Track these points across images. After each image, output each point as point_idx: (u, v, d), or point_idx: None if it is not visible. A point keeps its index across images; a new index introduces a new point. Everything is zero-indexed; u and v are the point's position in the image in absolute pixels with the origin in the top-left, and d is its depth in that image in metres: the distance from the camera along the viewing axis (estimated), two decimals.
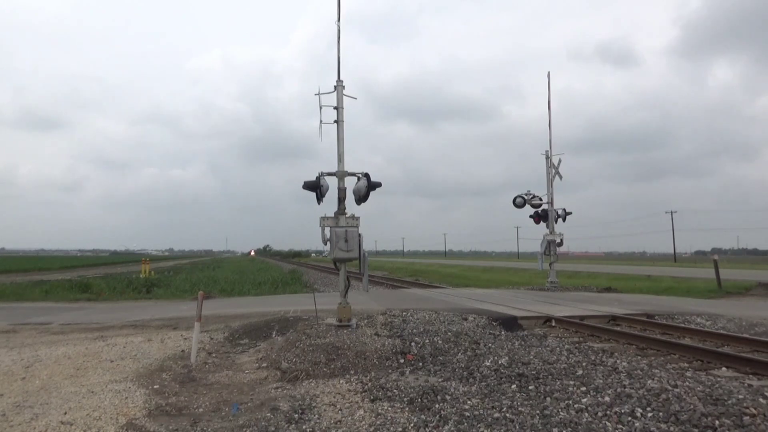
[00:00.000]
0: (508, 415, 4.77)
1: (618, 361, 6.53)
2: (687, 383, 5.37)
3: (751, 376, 6.31)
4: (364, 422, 4.81)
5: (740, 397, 4.87)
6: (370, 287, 22.72)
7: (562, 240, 19.66)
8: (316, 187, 8.76)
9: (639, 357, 7.28)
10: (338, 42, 9.20)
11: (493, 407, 4.99)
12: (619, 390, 5.20)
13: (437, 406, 5.12)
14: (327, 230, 8.74)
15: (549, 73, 19.97)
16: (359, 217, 8.78)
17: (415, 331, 8.73)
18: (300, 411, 5.12)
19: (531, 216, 20.02)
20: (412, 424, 4.68)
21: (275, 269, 46.93)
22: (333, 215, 8.82)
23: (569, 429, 4.37)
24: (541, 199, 19.68)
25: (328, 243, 8.73)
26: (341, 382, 6.21)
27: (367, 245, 9.03)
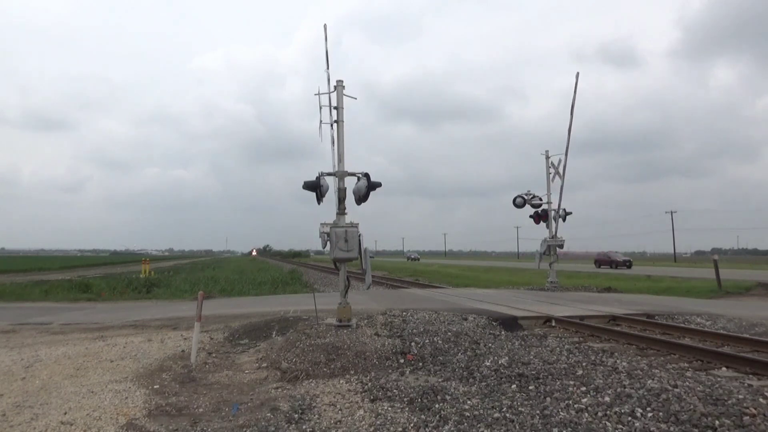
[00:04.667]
0: (508, 415, 4.77)
1: (618, 361, 6.53)
2: (687, 383, 5.38)
3: (751, 376, 6.30)
4: (364, 422, 4.81)
5: (740, 397, 4.87)
6: (370, 287, 22.74)
7: (562, 244, 19.66)
8: (316, 187, 8.76)
9: (639, 357, 7.28)
10: (326, 43, 9.17)
11: (493, 407, 4.99)
12: (619, 390, 5.20)
13: (437, 406, 5.12)
14: (326, 234, 8.73)
15: (578, 74, 18.40)
16: (358, 223, 8.75)
17: (415, 331, 8.73)
18: (300, 411, 5.13)
19: (531, 216, 20.01)
20: (412, 424, 4.68)
21: (275, 269, 46.92)
22: (332, 222, 8.81)
23: (569, 429, 4.37)
24: (541, 199, 19.66)
25: (328, 243, 8.72)
26: (341, 382, 6.21)
27: (367, 245, 9.01)
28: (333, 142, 9.10)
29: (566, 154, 18.57)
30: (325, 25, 9.19)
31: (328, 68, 9.12)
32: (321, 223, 8.75)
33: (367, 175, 8.83)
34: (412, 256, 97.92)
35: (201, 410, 5.32)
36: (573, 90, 18.28)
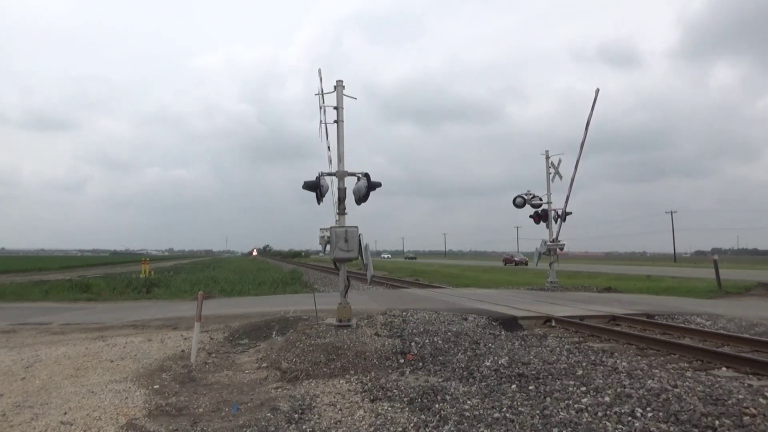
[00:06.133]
0: (508, 415, 4.77)
1: (618, 361, 6.53)
2: (687, 383, 5.38)
3: (751, 376, 6.30)
4: (364, 422, 4.81)
5: (740, 397, 4.87)
6: (369, 287, 22.76)
7: (563, 247, 19.68)
8: (316, 187, 8.76)
9: (639, 357, 7.28)
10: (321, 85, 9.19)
11: (493, 407, 4.99)
12: (619, 390, 5.20)
13: (437, 406, 5.12)
14: (325, 238, 8.75)
15: (597, 90, 17.88)
16: (357, 226, 8.76)
17: (415, 331, 8.73)
18: (300, 411, 5.13)
19: (531, 216, 20.02)
20: (412, 424, 4.68)
21: (275, 269, 46.92)
22: (331, 226, 8.83)
23: (569, 429, 4.37)
24: (541, 199, 19.66)
25: (328, 246, 8.75)
26: (341, 382, 6.21)
27: (367, 242, 9.01)
28: (328, 148, 9.13)
29: (576, 167, 18.43)
30: (319, 69, 9.33)
31: (323, 103, 9.14)
32: (320, 228, 8.79)
33: (367, 175, 8.84)
34: (516, 258, 60.99)
35: (201, 410, 5.32)
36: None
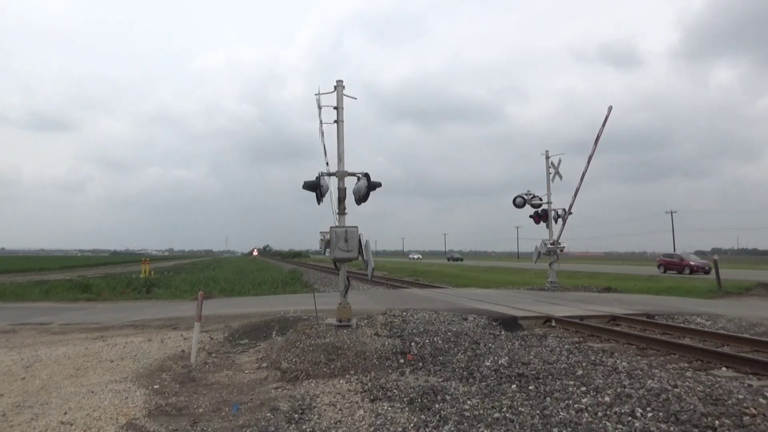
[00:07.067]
0: (508, 415, 4.77)
1: (618, 361, 6.53)
2: (687, 383, 5.38)
3: (751, 376, 6.30)
4: (364, 422, 4.81)
5: (740, 397, 4.88)
6: (369, 287, 22.76)
7: (563, 249, 19.70)
8: (316, 187, 8.76)
9: (639, 357, 7.28)
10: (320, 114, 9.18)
11: (493, 407, 4.99)
12: (619, 390, 5.21)
13: (437, 406, 5.12)
14: (325, 241, 8.76)
15: (610, 107, 17.89)
16: (356, 226, 8.75)
17: (415, 331, 8.73)
18: (300, 411, 5.13)
19: (531, 216, 20.03)
20: (412, 424, 4.68)
21: (275, 269, 46.93)
22: (330, 227, 8.84)
23: (569, 429, 4.37)
24: (541, 199, 19.67)
25: (328, 248, 8.77)
26: (341, 382, 6.21)
27: (368, 239, 9.01)
28: (327, 163, 9.15)
29: (582, 178, 18.51)
30: (318, 95, 9.10)
31: (322, 132, 9.09)
32: (320, 232, 8.81)
33: (367, 175, 8.84)
34: (693, 263, 32.99)
35: (201, 410, 5.32)
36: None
